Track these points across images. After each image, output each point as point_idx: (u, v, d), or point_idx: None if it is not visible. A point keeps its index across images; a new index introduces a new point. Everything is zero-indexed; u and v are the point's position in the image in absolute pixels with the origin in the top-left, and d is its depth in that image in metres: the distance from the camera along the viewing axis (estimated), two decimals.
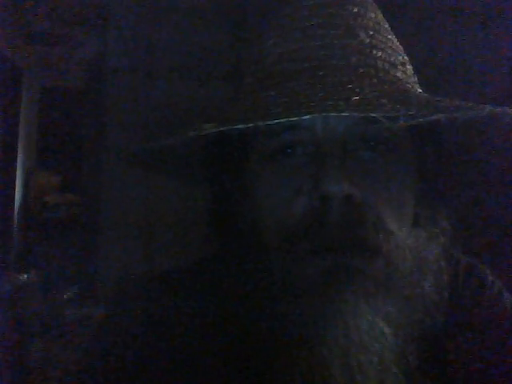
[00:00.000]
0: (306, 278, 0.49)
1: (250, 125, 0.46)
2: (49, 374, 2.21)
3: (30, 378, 2.29)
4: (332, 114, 0.45)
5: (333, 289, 0.48)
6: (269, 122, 0.46)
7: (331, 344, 0.48)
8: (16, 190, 3.28)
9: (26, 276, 2.64)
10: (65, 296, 2.63)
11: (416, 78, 0.58)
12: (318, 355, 0.48)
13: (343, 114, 0.45)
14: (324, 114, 0.45)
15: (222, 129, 0.48)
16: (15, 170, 3.26)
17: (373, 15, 0.57)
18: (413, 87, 0.56)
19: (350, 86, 0.49)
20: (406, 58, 0.58)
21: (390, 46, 0.56)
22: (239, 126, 0.47)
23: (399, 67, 0.56)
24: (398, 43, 0.59)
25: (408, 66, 0.58)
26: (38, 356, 2.32)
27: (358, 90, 0.49)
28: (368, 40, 0.55)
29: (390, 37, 0.58)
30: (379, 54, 0.54)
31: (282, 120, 0.46)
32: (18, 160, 3.27)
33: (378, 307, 0.49)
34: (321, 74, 0.51)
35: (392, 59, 0.55)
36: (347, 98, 0.47)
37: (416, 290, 0.52)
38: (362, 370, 0.48)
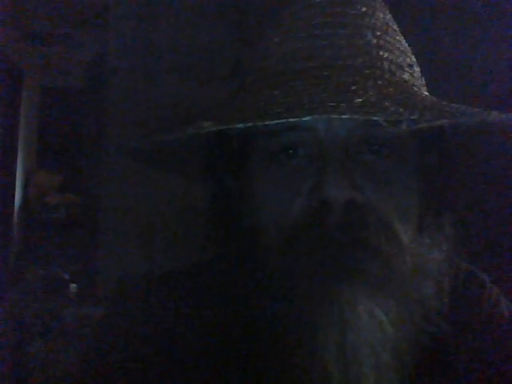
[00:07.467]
0: (305, 279, 0.49)
1: (249, 124, 0.46)
2: (49, 374, 2.21)
3: (30, 378, 2.29)
4: (334, 116, 0.45)
5: (332, 289, 0.48)
6: (268, 123, 0.45)
7: (329, 345, 0.48)
8: (16, 190, 3.28)
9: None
10: (65, 296, 2.63)
11: (423, 80, 0.57)
12: (316, 356, 0.48)
13: (344, 117, 0.44)
14: (326, 116, 0.45)
15: (220, 127, 0.47)
16: (15, 170, 3.26)
17: (381, 15, 0.56)
18: (419, 89, 0.55)
19: (353, 87, 0.48)
20: (413, 59, 0.57)
21: (398, 48, 0.56)
22: (238, 126, 0.46)
23: (406, 69, 0.55)
24: (406, 44, 0.58)
25: (416, 68, 0.57)
26: (38, 356, 2.32)
27: (361, 91, 0.48)
28: (375, 40, 0.54)
29: (398, 38, 0.57)
30: (386, 55, 0.54)
31: (281, 120, 0.45)
32: (18, 160, 3.27)
33: (377, 305, 0.48)
34: (325, 74, 0.51)
35: (399, 61, 0.55)
36: (350, 99, 0.46)
37: (415, 295, 0.51)
38: (358, 367, 0.48)
